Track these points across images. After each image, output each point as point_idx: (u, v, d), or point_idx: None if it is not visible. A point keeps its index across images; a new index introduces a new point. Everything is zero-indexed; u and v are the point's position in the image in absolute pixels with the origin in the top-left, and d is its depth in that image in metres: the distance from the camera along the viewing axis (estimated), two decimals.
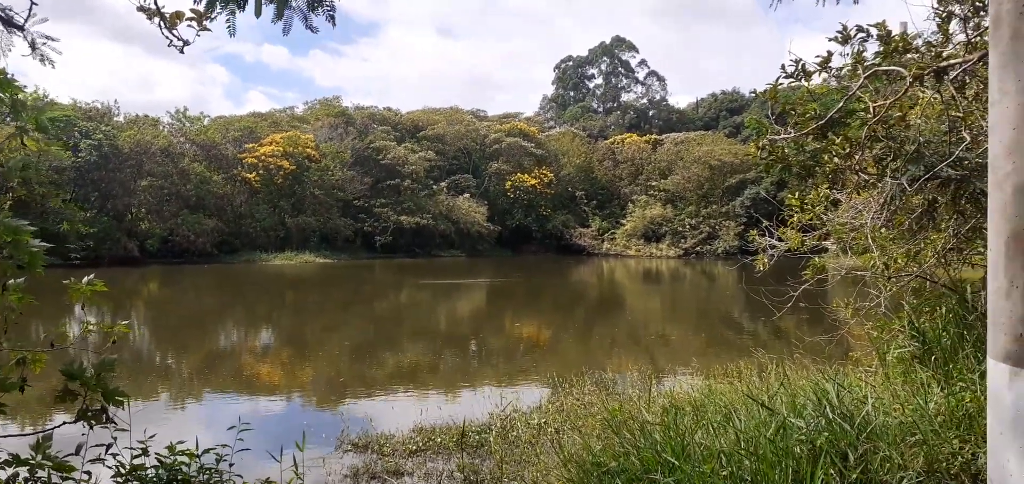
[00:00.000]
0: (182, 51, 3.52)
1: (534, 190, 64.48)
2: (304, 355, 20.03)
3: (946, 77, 4.63)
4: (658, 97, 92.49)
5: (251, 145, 55.57)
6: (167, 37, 3.42)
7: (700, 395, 8.52)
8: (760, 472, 4.61)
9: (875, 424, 4.85)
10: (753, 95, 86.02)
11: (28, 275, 3.12)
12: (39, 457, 3.11)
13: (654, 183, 64.95)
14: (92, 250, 44.65)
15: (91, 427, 3.26)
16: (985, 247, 7.21)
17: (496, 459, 8.61)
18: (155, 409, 14.56)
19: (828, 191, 6.58)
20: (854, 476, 4.48)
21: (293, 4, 3.68)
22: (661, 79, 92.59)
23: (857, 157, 5.30)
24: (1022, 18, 2.28)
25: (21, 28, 3.41)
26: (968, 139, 4.70)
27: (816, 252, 8.49)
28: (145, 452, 3.85)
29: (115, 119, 55.33)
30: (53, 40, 3.46)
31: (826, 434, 4.71)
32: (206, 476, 3.88)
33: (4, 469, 3.21)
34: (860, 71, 4.87)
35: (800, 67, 5.04)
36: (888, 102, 4.83)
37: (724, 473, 4.69)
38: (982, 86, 5.56)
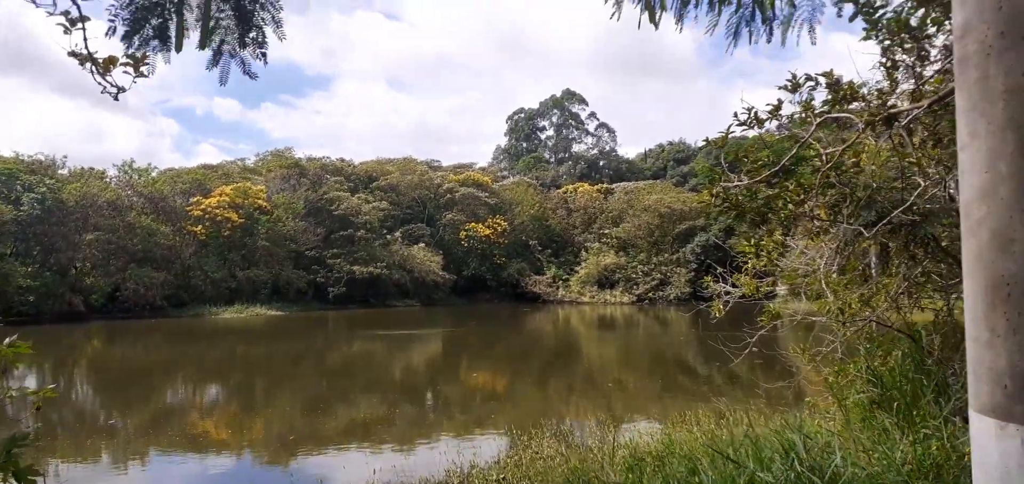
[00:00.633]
0: (116, 98, 3.38)
1: (488, 239, 64.53)
2: (253, 410, 19.45)
3: (896, 123, 4.74)
4: (608, 148, 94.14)
5: (197, 198, 54.51)
6: (100, 84, 3.29)
7: (661, 445, 8.48)
8: None
9: (845, 476, 4.83)
10: (699, 146, 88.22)
11: None
12: None
13: (607, 231, 65.74)
14: (34, 305, 43.00)
15: None
16: (935, 291, 7.42)
17: None
18: (97, 471, 13.92)
19: (781, 238, 6.67)
20: None
21: (223, 43, 3.58)
22: (611, 131, 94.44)
23: (809, 203, 5.37)
24: (989, 59, 2.22)
25: None
26: (922, 184, 4.80)
27: (767, 297, 8.60)
28: None
29: (60, 172, 53.85)
30: None
31: None
32: None
33: None
34: (812, 118, 4.97)
35: (752, 115, 5.12)
36: (840, 149, 4.92)
37: None
38: (927, 133, 5.74)
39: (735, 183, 5.20)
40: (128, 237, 48.70)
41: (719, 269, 8.37)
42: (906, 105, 4.92)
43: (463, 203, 66.61)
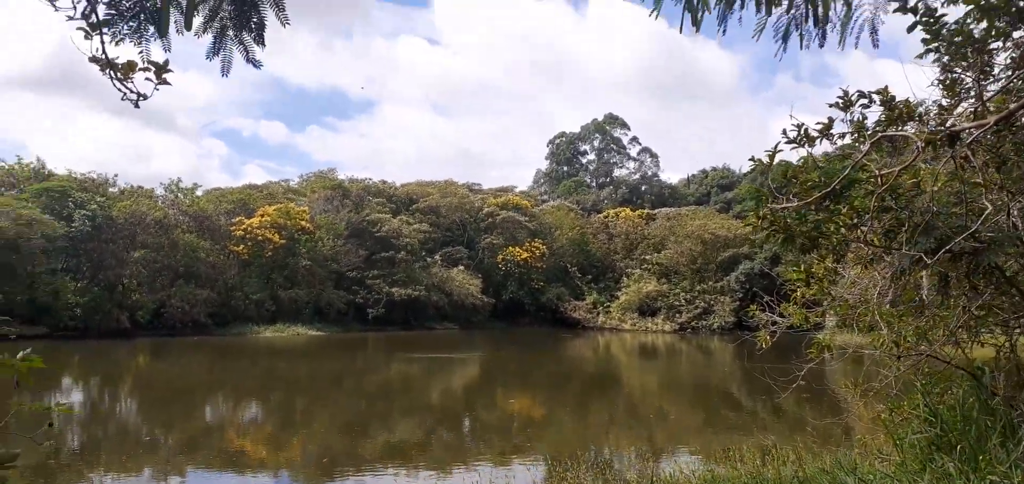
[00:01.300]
0: (137, 105, 3.28)
1: (526, 263, 64.28)
2: (291, 430, 19.46)
3: (959, 143, 4.41)
4: (650, 172, 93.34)
5: (239, 218, 55.40)
6: (120, 90, 3.18)
7: (703, 481, 8.11)
8: None
9: None
10: (744, 172, 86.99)
11: None
12: None
13: (648, 257, 64.86)
14: (82, 320, 43.99)
15: None
16: (996, 325, 6.96)
17: None
18: None
19: (833, 264, 6.31)
20: None
21: (223, 28, 3.43)
22: (654, 155, 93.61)
23: (863, 228, 5.05)
24: None
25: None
26: (989, 208, 4.45)
27: (815, 329, 8.21)
28: None
29: (111, 190, 55.31)
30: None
31: None
32: None
33: None
34: (865, 137, 4.68)
35: (802, 132, 4.84)
36: (897, 169, 4.62)
37: None
38: (990, 155, 5.37)
39: (784, 205, 4.89)
40: (173, 255, 49.67)
41: (766, 297, 8.02)
42: (968, 124, 4.59)
43: (503, 226, 66.56)
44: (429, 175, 79.70)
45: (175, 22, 3.35)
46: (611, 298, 64.75)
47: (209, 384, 28.73)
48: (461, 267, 63.09)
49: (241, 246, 53.49)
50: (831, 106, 4.91)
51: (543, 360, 41.49)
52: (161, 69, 3.15)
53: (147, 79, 3.18)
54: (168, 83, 3.19)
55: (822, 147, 5.30)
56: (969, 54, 5.05)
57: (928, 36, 4.98)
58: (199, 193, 61.53)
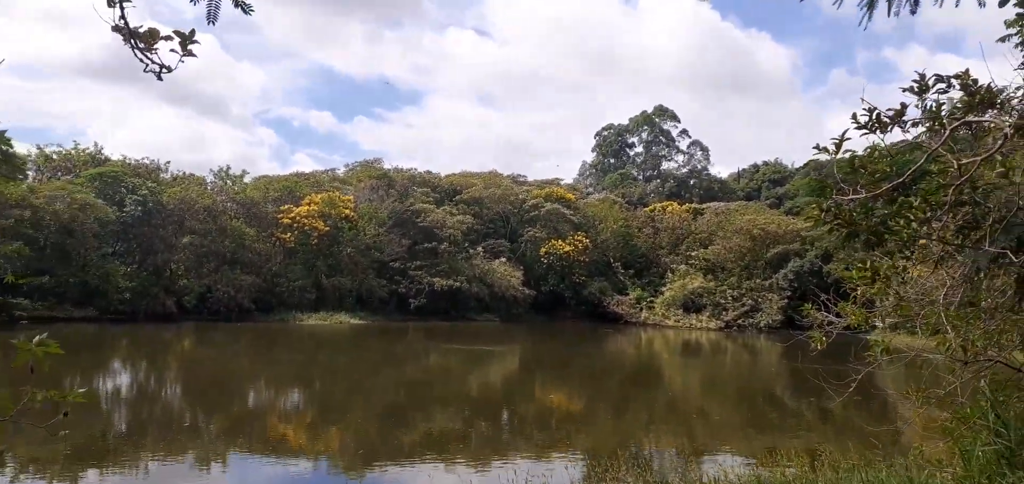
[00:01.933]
0: (160, 78, 3.08)
1: (568, 256, 63.80)
2: (332, 418, 19.52)
3: None
4: (700, 166, 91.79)
5: (287, 206, 56.10)
6: (143, 61, 2.99)
7: (749, 481, 7.75)
8: None
9: None
10: (797, 167, 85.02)
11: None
12: None
13: (694, 253, 63.68)
14: (130, 304, 45.03)
15: None
16: None
17: None
18: (180, 470, 14.17)
19: (904, 261, 5.83)
20: None
21: None
22: (704, 149, 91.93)
23: (936, 224, 4.60)
24: None
25: None
26: None
27: (864, 331, 7.72)
28: None
29: (163, 177, 56.57)
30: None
31: None
32: None
33: None
34: (943, 124, 4.25)
35: (875, 117, 4.41)
36: (978, 159, 4.18)
37: None
38: None
39: (850, 196, 4.47)
40: (221, 240, 50.50)
41: (823, 295, 7.57)
42: None
43: (546, 219, 66.18)
44: (475, 166, 79.82)
45: None
46: (655, 293, 63.83)
47: (252, 370, 29.10)
48: (503, 259, 62.94)
49: (288, 234, 54.20)
50: (905, 90, 4.47)
51: (584, 354, 41.12)
52: (186, 39, 2.95)
53: (172, 51, 2.98)
54: (193, 55, 2.98)
55: (891, 136, 4.88)
56: None
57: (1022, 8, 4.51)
58: (247, 181, 62.58)
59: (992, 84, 4.35)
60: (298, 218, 54.38)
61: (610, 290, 64.83)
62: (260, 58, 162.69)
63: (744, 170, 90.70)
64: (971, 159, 4.28)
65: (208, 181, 58.59)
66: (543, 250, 63.91)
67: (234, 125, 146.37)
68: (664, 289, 63.00)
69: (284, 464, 14.89)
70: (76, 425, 16.99)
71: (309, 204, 55.78)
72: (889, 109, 4.44)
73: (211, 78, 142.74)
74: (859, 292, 6.58)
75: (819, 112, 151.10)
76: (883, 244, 4.85)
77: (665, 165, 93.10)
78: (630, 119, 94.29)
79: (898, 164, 4.35)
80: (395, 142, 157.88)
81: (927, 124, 4.53)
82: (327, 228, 54.83)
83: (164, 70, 3.07)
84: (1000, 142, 4.06)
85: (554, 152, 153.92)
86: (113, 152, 58.51)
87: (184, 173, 57.36)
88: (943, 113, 4.46)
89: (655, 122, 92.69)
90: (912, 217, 4.49)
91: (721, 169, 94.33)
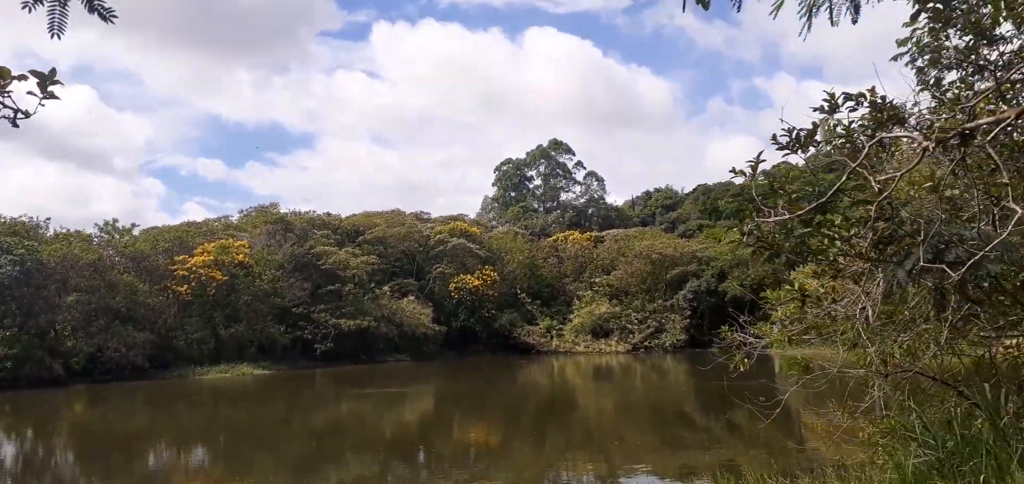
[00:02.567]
0: (16, 124, 2.79)
1: (478, 291, 63.78)
2: (240, 475, 18.62)
3: (972, 142, 4.12)
4: (597, 195, 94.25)
5: (182, 256, 53.58)
6: None
7: None
8: None
9: None
10: (685, 191, 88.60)
11: None
12: None
13: (598, 279, 65.13)
14: (10, 371, 41.66)
15: None
16: (983, 333, 6.82)
17: None
18: None
19: (831, 281, 6.06)
20: None
21: None
22: (599, 179, 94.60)
23: (857, 241, 4.77)
24: None
25: None
26: (1019, 211, 4.05)
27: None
28: None
29: (43, 233, 52.92)
30: None
31: None
32: None
33: None
34: (859, 141, 4.49)
35: (794, 136, 4.61)
36: (898, 175, 4.42)
37: None
38: (1009, 153, 5.04)
39: (774, 218, 4.61)
40: (110, 296, 47.61)
41: (745, 317, 7.81)
42: (986, 120, 4.26)
43: (453, 254, 66.00)
44: (375, 206, 78.66)
45: None
46: (564, 322, 64.68)
47: (150, 430, 27.46)
48: (411, 297, 62.18)
49: (184, 286, 51.73)
50: (816, 110, 4.70)
51: (498, 388, 41.04)
52: (46, 79, 2.66)
53: (29, 93, 2.70)
54: (56, 97, 2.70)
55: (797, 156, 5.08)
56: (966, 51, 4.94)
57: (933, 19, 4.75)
58: (136, 233, 59.41)
59: (894, 101, 4.65)
60: (194, 268, 52.04)
61: (520, 321, 65.17)
62: (143, 108, 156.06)
63: (638, 197, 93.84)
64: (890, 176, 4.51)
65: (93, 236, 55.20)
66: (452, 285, 63.60)
67: (119, 177, 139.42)
68: (572, 317, 63.98)
69: None
70: None
71: (202, 253, 53.48)
72: (788, 130, 4.66)
73: (91, 130, 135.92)
74: (780, 311, 6.81)
75: (702, 140, 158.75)
76: (804, 263, 5.04)
77: (564, 196, 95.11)
78: (527, 153, 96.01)
79: (818, 184, 4.53)
80: (290, 186, 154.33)
81: (839, 142, 4.76)
82: (225, 277, 52.67)
83: (20, 115, 2.80)
84: (920, 157, 4.29)
85: (453, 189, 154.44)
86: None
87: (66, 230, 53.86)
88: (854, 131, 4.71)
89: (551, 155, 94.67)
90: (834, 235, 4.65)
91: (616, 197, 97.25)
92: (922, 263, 4.19)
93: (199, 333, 50.62)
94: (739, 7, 4.11)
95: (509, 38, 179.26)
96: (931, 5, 5.04)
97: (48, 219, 56.93)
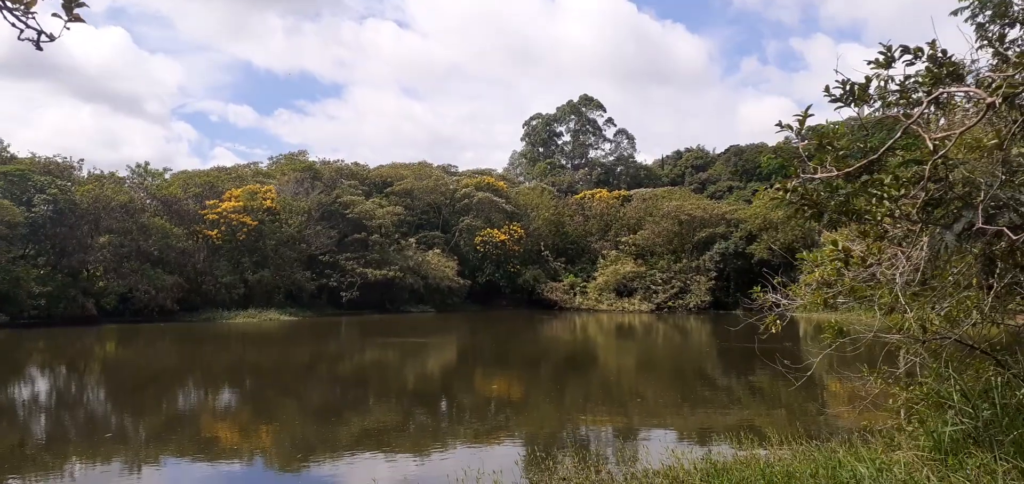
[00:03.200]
0: (39, 46, 2.71)
1: (504, 245, 63.90)
2: (265, 416, 19.00)
3: None
4: (626, 154, 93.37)
5: (212, 201, 54.29)
6: (17, 26, 2.62)
7: (705, 471, 7.76)
8: None
9: None
10: (717, 152, 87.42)
11: None
12: None
13: (624, 238, 64.89)
14: (45, 308, 42.75)
15: None
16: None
17: None
18: (110, 475, 13.52)
19: (877, 242, 5.82)
20: None
21: None
22: (630, 137, 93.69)
23: (904, 202, 4.56)
24: None
25: None
26: None
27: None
28: None
29: (77, 175, 53.81)
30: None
31: None
32: None
33: None
34: (914, 97, 4.27)
35: (849, 89, 4.39)
36: (957, 132, 4.21)
37: None
38: None
39: (820, 175, 4.42)
40: (142, 238, 48.45)
41: (776, 278, 7.66)
42: None
43: (479, 208, 66.11)
44: (403, 158, 78.92)
45: None
46: (588, 279, 64.70)
47: (179, 371, 28.08)
48: (437, 250, 62.55)
49: (214, 230, 52.50)
50: (870, 63, 4.47)
51: (520, 342, 41.27)
52: (71, 3, 2.59)
53: (54, 14, 2.62)
54: (81, 19, 2.61)
55: (840, 114, 4.85)
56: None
57: None
58: (168, 177, 60.23)
59: (953, 56, 4.40)
60: (224, 213, 52.73)
61: (544, 277, 65.33)
62: (175, 52, 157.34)
63: (668, 157, 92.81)
64: (946, 133, 4.31)
65: (125, 177, 56.02)
66: (477, 239, 63.83)
67: (150, 121, 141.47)
68: (596, 275, 63.95)
69: (217, 465, 14.41)
70: None
71: (232, 198, 54.11)
72: (841, 84, 4.44)
73: (125, 73, 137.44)
74: (818, 273, 6.64)
75: (734, 100, 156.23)
76: (847, 224, 4.87)
77: (592, 153, 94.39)
78: (557, 108, 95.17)
79: (869, 140, 4.34)
80: (318, 135, 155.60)
81: (892, 98, 4.55)
82: (254, 222, 53.35)
83: (44, 37, 2.73)
84: (983, 114, 4.09)
85: (481, 143, 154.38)
86: (20, 150, 55.41)
87: (99, 171, 54.71)
88: (909, 87, 4.48)
89: (581, 111, 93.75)
90: (883, 195, 4.47)
91: (646, 156, 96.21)
92: (978, 225, 4.00)
93: (228, 278, 51.45)
94: None
95: None
96: None
97: (81, 160, 57.99)
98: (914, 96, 4.45)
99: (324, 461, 14.63)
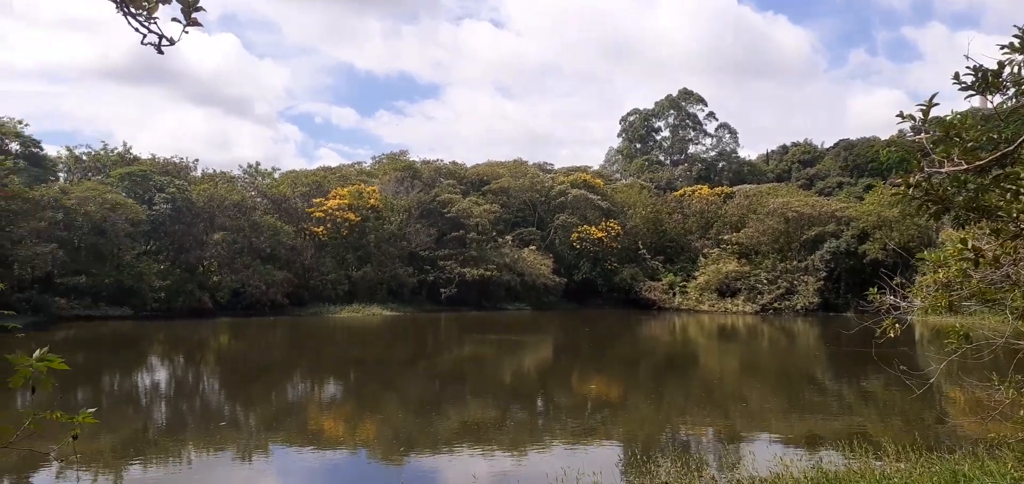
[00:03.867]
0: (160, 50, 2.82)
1: (601, 243, 63.30)
2: (369, 409, 19.53)
3: None
4: (729, 149, 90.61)
5: (318, 199, 56.42)
6: (140, 31, 2.72)
7: (816, 480, 7.39)
8: None
9: None
10: (826, 146, 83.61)
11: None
12: None
13: (726, 236, 62.87)
14: (165, 302, 45.50)
15: None
16: None
17: None
18: (222, 462, 14.24)
19: (1012, 241, 5.33)
20: None
21: None
22: (732, 131, 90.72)
23: None
24: None
25: None
26: None
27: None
28: None
29: (192, 175, 57.09)
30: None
31: None
32: None
33: None
34: None
35: (981, 75, 4.00)
36: None
37: None
38: None
39: (947, 169, 4.05)
40: (254, 236, 50.78)
41: (895, 279, 7.19)
42: None
43: (574, 206, 65.80)
44: (498, 156, 79.56)
45: None
46: (687, 279, 63.12)
47: (287, 363, 29.29)
48: (532, 247, 62.68)
49: (321, 227, 54.54)
50: (1002, 47, 4.07)
51: (618, 341, 40.82)
52: (190, 6, 2.68)
53: (173, 19, 2.72)
54: (198, 23, 2.71)
55: (962, 105, 4.45)
56: None
57: None
58: (277, 176, 63.01)
59: None
60: (330, 211, 54.72)
61: (642, 276, 64.26)
62: (282, 56, 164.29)
63: (773, 152, 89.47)
64: None
65: (237, 176, 59.01)
66: (574, 236, 63.51)
67: (258, 123, 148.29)
68: (697, 274, 62.31)
69: (324, 455, 14.91)
70: (118, 420, 17.22)
71: (337, 197, 56.06)
72: (977, 68, 4.04)
73: (234, 77, 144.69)
74: (941, 274, 6.17)
75: (842, 93, 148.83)
76: (975, 221, 4.48)
77: (692, 149, 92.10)
78: (656, 103, 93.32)
79: (1004, 130, 3.95)
80: (416, 136, 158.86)
81: None
82: (358, 219, 55.12)
83: (165, 42, 2.83)
84: None
85: (575, 140, 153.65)
86: (141, 152, 59.26)
87: (213, 171, 57.84)
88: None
89: (681, 106, 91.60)
90: (1018, 189, 4.07)
91: (748, 152, 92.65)
92: None
93: (334, 274, 53.30)
94: None
95: None
96: None
97: (196, 161, 61.49)
98: None
99: (424, 454, 14.88)
